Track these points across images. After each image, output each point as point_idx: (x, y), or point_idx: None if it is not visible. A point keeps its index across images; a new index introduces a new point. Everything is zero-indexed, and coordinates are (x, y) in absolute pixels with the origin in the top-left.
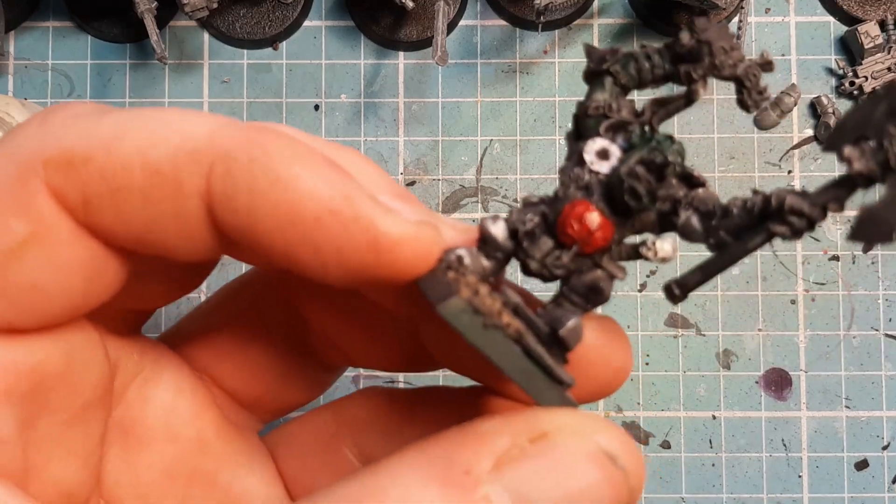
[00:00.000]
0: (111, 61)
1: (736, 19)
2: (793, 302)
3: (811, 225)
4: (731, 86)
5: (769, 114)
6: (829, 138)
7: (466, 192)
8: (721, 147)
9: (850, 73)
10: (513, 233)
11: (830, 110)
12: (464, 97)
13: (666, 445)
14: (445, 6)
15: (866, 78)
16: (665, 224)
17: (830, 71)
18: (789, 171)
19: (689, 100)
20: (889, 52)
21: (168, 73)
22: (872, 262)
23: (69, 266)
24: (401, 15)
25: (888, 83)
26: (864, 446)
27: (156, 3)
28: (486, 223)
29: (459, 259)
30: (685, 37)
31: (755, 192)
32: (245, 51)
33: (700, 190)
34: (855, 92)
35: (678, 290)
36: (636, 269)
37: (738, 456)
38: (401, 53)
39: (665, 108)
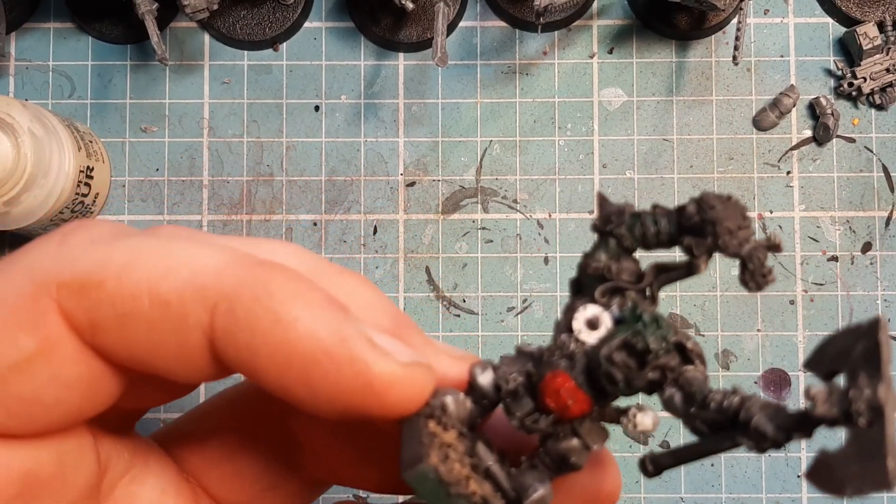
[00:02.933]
0: (112, 62)
1: (735, 20)
2: (792, 302)
3: (776, 446)
4: (730, 86)
5: (768, 114)
6: (812, 358)
7: (466, 192)
8: (720, 147)
9: (849, 74)
10: (497, 388)
11: (829, 111)
12: (463, 98)
13: (665, 446)
14: (445, 7)
15: (865, 79)
16: (654, 389)
17: (829, 72)
18: (788, 172)
19: (689, 271)
20: (887, 54)
21: (168, 75)
22: (871, 263)
23: (71, 382)
24: (401, 16)
25: (873, 319)
26: None
27: (156, 4)
28: (475, 371)
29: (443, 407)
30: (692, 209)
31: (734, 390)
32: (245, 52)
33: (689, 368)
34: (854, 93)
35: (651, 467)
36: None
37: (737, 456)
38: (401, 54)
39: (667, 274)
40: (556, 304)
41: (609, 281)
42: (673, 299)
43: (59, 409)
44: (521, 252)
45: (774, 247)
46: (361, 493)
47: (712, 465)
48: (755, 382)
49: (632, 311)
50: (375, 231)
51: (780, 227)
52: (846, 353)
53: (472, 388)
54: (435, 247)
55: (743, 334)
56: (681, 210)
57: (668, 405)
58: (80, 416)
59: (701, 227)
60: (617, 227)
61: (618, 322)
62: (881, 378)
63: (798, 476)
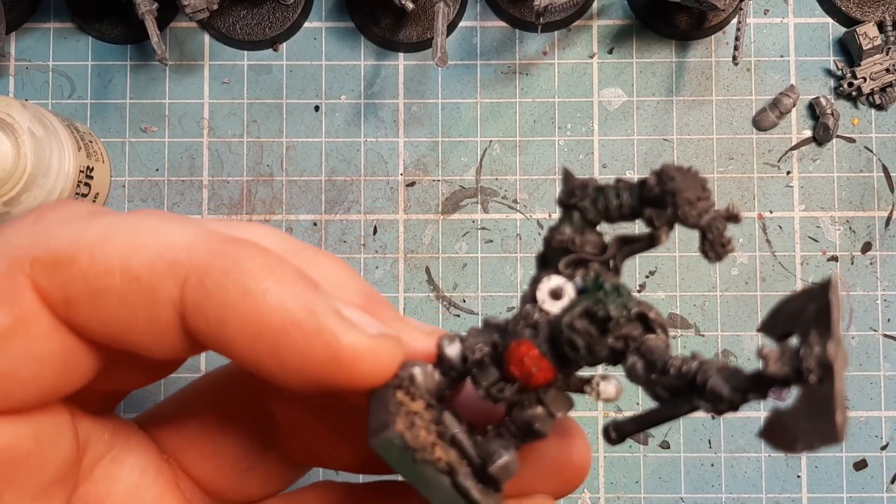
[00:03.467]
0: (112, 62)
1: (735, 21)
2: None
3: (733, 407)
4: (730, 86)
5: (768, 114)
6: (766, 321)
7: (466, 192)
8: (720, 148)
9: (849, 75)
10: (464, 359)
11: (829, 111)
12: (463, 98)
13: (665, 445)
14: (445, 7)
15: (865, 79)
16: (617, 358)
17: (829, 72)
18: (788, 172)
19: (651, 243)
20: (887, 54)
21: (168, 75)
22: (871, 263)
23: (45, 357)
24: (401, 16)
25: (825, 279)
26: (863, 446)
27: (156, 4)
28: (442, 344)
29: (411, 377)
30: (652, 181)
31: (694, 356)
32: (245, 52)
33: (651, 337)
34: (854, 93)
35: (615, 434)
36: (635, 268)
37: (737, 456)
38: (401, 54)
39: (629, 246)
40: None
41: (573, 253)
42: (673, 299)
43: (34, 384)
44: (521, 252)
45: (733, 217)
46: None
47: (712, 465)
48: None
49: (594, 281)
50: (375, 231)
51: (780, 227)
52: (799, 314)
53: (440, 359)
54: (435, 247)
55: (743, 334)
56: (642, 183)
57: (630, 374)
58: (55, 393)
59: (661, 199)
60: (581, 200)
61: (581, 292)
62: (831, 336)
63: (798, 476)
